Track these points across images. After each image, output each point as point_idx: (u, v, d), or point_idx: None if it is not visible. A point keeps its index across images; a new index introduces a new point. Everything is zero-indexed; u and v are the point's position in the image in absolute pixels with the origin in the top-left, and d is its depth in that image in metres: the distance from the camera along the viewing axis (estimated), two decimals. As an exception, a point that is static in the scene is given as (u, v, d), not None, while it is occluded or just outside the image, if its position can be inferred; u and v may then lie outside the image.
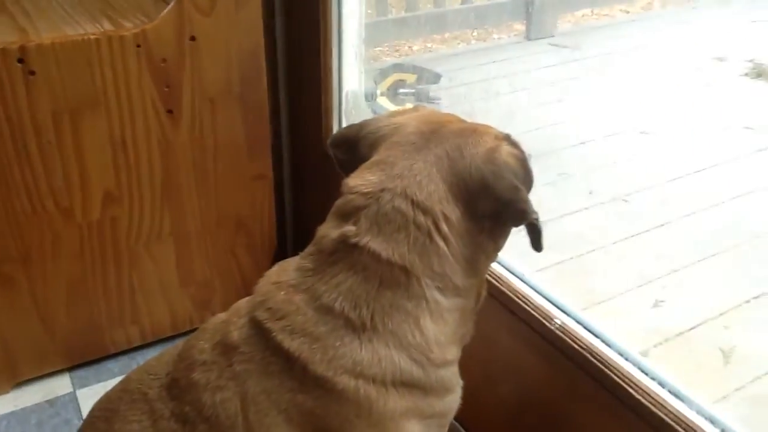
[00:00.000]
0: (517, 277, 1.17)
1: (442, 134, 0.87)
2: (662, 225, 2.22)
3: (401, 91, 2.96)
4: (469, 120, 0.94)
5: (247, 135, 1.60)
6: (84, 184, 1.45)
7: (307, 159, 1.73)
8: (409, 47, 3.97)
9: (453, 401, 0.90)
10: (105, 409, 0.95)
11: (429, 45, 4.05)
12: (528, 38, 3.95)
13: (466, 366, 0.92)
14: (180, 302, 1.67)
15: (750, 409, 1.55)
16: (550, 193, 2.34)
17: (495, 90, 3.22)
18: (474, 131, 0.88)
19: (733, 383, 1.61)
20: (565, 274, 1.93)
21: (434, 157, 0.85)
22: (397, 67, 3.15)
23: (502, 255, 1.13)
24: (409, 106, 2.91)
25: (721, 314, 1.83)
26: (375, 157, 0.88)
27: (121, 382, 0.97)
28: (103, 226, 1.51)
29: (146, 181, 1.52)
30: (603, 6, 4.55)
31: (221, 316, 0.92)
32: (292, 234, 1.83)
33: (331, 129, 1.63)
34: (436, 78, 3.08)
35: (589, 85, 3.35)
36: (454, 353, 0.88)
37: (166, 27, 1.43)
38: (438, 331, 0.84)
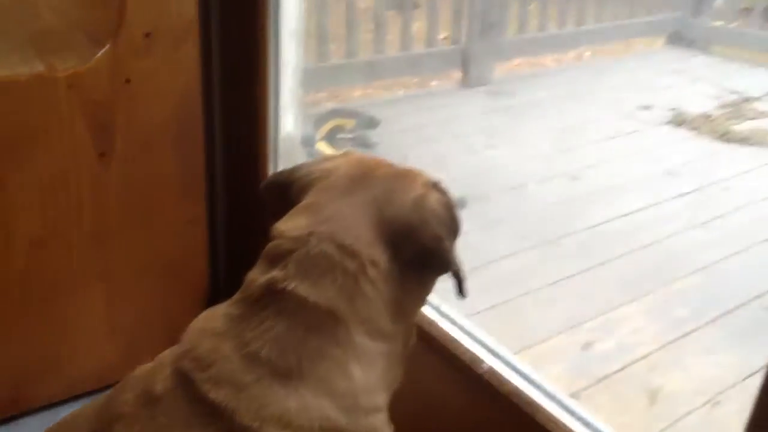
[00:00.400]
0: (448, 320, 1.19)
1: (372, 179, 0.89)
2: (590, 268, 2.29)
3: (340, 136, 3.00)
4: (401, 165, 0.96)
5: (181, 178, 1.59)
6: (8, 228, 1.41)
7: (243, 203, 1.73)
8: (349, 92, 4.03)
9: (383, 449, 0.90)
10: None
11: (368, 91, 4.12)
12: (465, 86, 4.06)
13: (394, 412, 0.92)
14: (108, 352, 1.61)
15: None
16: (482, 237, 2.39)
17: (432, 135, 3.29)
18: (404, 177, 0.90)
19: (659, 424, 1.66)
20: (498, 317, 1.97)
21: (363, 202, 0.86)
22: (336, 113, 3.20)
23: (432, 298, 1.16)
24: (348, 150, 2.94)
25: (646, 355, 1.89)
26: (305, 201, 0.89)
27: None
28: (28, 273, 1.45)
29: (75, 225, 1.48)
30: (537, 55, 4.73)
31: (146, 366, 0.90)
32: (225, 280, 1.81)
33: (267, 173, 1.64)
34: (375, 123, 3.13)
35: (523, 131, 3.46)
36: (383, 399, 0.88)
37: (100, 69, 1.41)
38: (366, 377, 0.84)
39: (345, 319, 0.82)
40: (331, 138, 2.98)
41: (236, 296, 0.88)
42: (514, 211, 2.66)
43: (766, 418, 0.70)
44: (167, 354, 0.88)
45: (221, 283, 1.78)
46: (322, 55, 3.63)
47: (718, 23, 5.04)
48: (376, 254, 0.83)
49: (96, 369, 1.60)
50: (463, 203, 2.52)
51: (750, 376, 1.83)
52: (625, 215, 2.66)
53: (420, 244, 0.85)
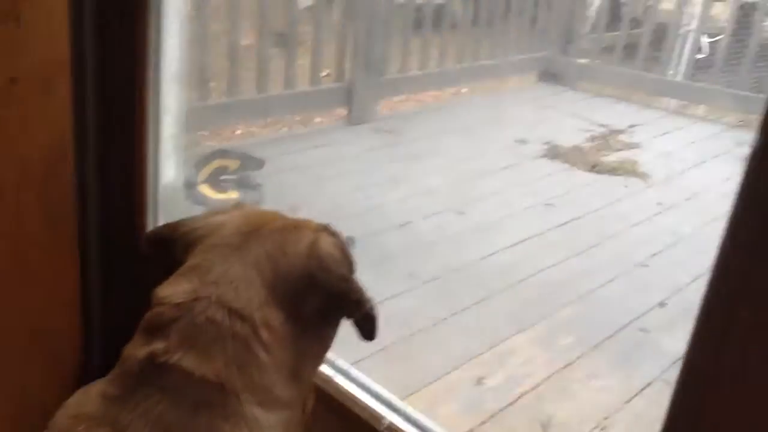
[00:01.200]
0: (343, 375, 1.16)
1: (263, 234, 0.84)
2: (479, 302, 2.33)
3: (223, 177, 2.93)
4: (289, 210, 0.93)
5: (48, 234, 1.48)
6: None
7: (120, 262, 1.63)
8: (232, 132, 3.96)
9: None
10: None
11: (252, 129, 4.07)
12: (349, 123, 4.09)
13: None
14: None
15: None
16: (372, 276, 2.38)
17: (317, 175, 3.28)
18: (294, 227, 0.86)
19: (552, 454, 1.70)
20: (389, 359, 1.96)
21: (254, 259, 0.81)
22: (219, 154, 3.12)
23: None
24: (233, 193, 2.87)
25: (536, 386, 1.94)
26: (190, 262, 0.83)
27: None
28: None
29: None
30: (418, 92, 4.85)
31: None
32: (101, 351, 1.68)
33: (145, 227, 1.56)
34: (260, 164, 3.08)
35: (408, 168, 3.51)
36: (284, 473, 0.84)
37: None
38: (262, 452, 0.78)
39: (235, 390, 0.76)
40: (214, 180, 2.90)
41: (113, 373, 0.81)
42: (402, 248, 2.68)
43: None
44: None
45: (94, 355, 1.66)
46: (203, 93, 3.55)
47: (584, 61, 5.37)
48: (271, 315, 0.79)
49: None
50: (352, 242, 2.51)
51: (633, 397, 1.91)
52: (509, 247, 2.74)
53: (324, 292, 0.82)
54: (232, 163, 3.01)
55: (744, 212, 0.59)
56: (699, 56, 5.00)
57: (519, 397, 1.88)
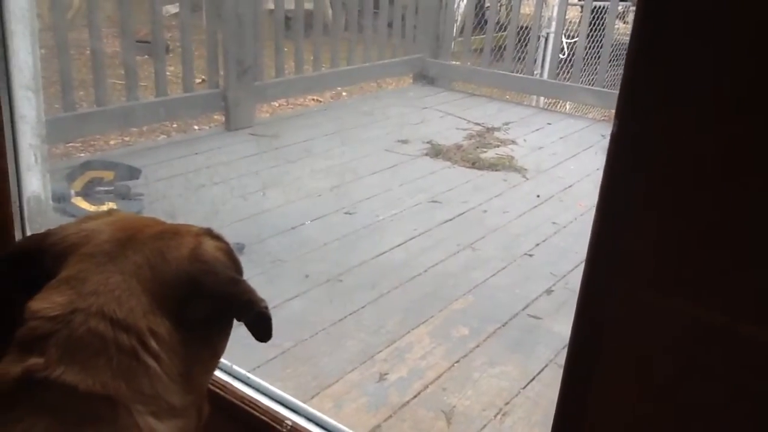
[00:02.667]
0: (241, 381, 1.11)
1: (140, 240, 0.79)
2: (374, 300, 2.32)
3: (99, 189, 2.76)
4: (170, 220, 0.88)
5: None
6: None
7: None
8: (105, 141, 3.76)
9: None
10: None
11: (126, 138, 3.87)
12: (228, 129, 3.99)
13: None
14: None
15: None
16: (264, 281, 2.33)
17: (198, 183, 3.17)
18: (175, 233, 0.81)
19: (457, 443, 1.71)
20: (289, 363, 1.91)
21: (133, 267, 0.76)
22: (91, 164, 2.95)
23: (223, 359, 1.07)
24: (110, 204, 2.70)
25: (437, 377, 1.95)
26: (63, 273, 0.77)
27: None
28: None
29: None
30: (297, 96, 4.81)
31: None
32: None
33: (12, 243, 1.43)
34: (136, 173, 2.93)
35: (293, 172, 3.46)
36: (184, 484, 0.78)
37: None
38: (161, 464, 0.74)
39: (126, 402, 0.71)
40: (88, 192, 2.72)
41: None
42: (293, 252, 2.63)
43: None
44: None
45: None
46: (68, 103, 3.34)
47: (455, 63, 5.53)
48: (156, 323, 0.74)
49: None
50: (240, 249, 2.43)
51: (530, 382, 1.96)
52: (400, 245, 2.76)
53: (211, 296, 0.78)
54: (107, 174, 2.84)
55: (608, 190, 0.63)
56: (561, 56, 5.27)
57: (421, 390, 1.89)
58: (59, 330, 0.72)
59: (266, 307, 0.80)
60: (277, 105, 4.68)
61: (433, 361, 2.02)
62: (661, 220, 0.61)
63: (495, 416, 1.82)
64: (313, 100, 5.00)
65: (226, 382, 1.08)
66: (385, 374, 1.94)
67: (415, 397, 1.86)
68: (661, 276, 0.62)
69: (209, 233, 0.84)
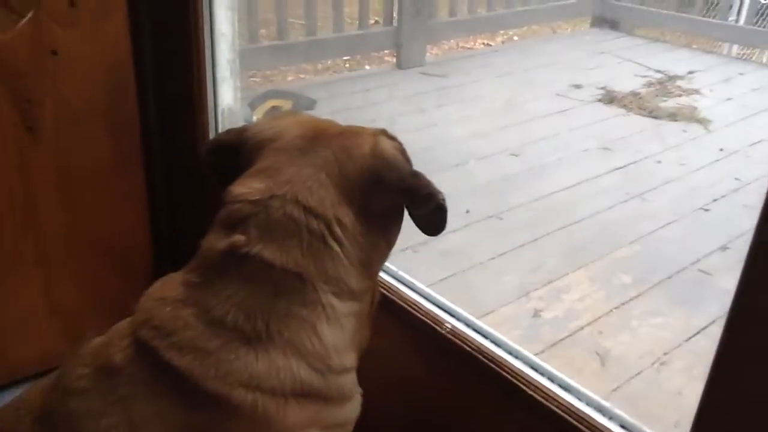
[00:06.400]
0: (407, 286, 1.16)
1: (326, 138, 0.86)
2: (534, 240, 2.31)
3: (277, 116, 2.93)
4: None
5: (115, 153, 1.51)
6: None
7: (183, 178, 1.66)
8: (282, 78, 3.96)
9: (353, 409, 0.87)
10: None
11: (301, 75, 4.06)
12: (398, 67, 4.04)
13: (359, 378, 0.89)
14: (49, 334, 1.53)
15: (627, 408, 1.63)
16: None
17: (369, 117, 3.26)
18: (355, 132, 0.88)
19: (610, 384, 1.69)
20: (448, 290, 1.96)
21: (322, 162, 0.83)
22: (273, 93, 3.13)
23: (390, 265, 1.13)
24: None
25: (593, 320, 1.92)
26: (259, 164, 0.85)
27: None
28: (-45, 255, 1.37)
29: (4, 203, 1.39)
30: (467, 38, 4.76)
31: (98, 340, 0.85)
32: (168, 257, 1.73)
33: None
34: (311, 104, 3.08)
35: (460, 111, 3.46)
36: (352, 360, 0.85)
37: (22, 40, 1.32)
38: (336, 337, 0.81)
39: (312, 279, 0.79)
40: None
41: (192, 264, 0.84)
42: (458, 187, 2.65)
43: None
44: (122, 326, 0.84)
45: (164, 261, 1.71)
46: (253, 36, 3.55)
47: (640, 6, 5.18)
48: (342, 213, 0.81)
49: (37, 352, 1.52)
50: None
51: (694, 335, 1.88)
52: (565, 189, 2.70)
53: (393, 190, 0.83)
54: (285, 104, 3.01)
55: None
56: (762, 1, 4.78)
57: (577, 331, 1.87)
58: (259, 212, 0.80)
59: (444, 200, 0.85)
60: (447, 47, 4.67)
61: (590, 304, 1.99)
62: None
63: (652, 364, 1.77)
64: (484, 44, 4.92)
65: (392, 284, 1.14)
66: (540, 311, 1.94)
67: (569, 336, 1.85)
68: None
69: (385, 133, 0.89)
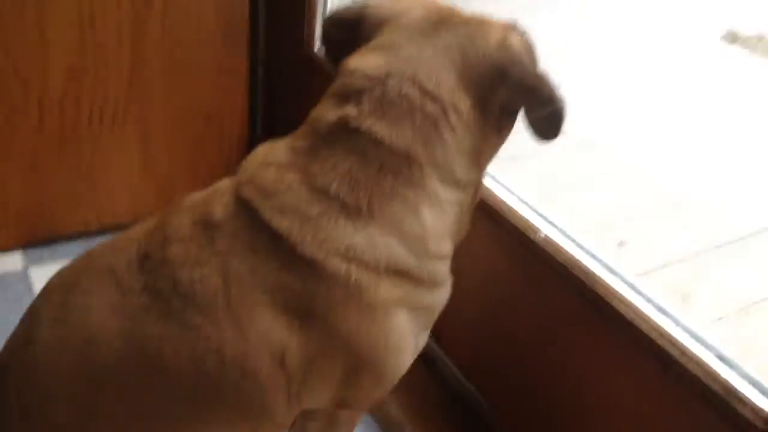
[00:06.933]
0: (502, 186, 1.13)
1: (451, 22, 0.82)
2: (626, 168, 2.22)
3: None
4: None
5: (223, 24, 1.52)
6: (45, 55, 1.35)
7: (285, 61, 1.65)
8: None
9: (443, 296, 0.87)
10: (63, 282, 0.86)
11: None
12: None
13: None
14: (142, 191, 1.59)
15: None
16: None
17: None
18: (481, 22, 0.83)
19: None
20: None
21: (444, 45, 0.80)
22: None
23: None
24: None
25: (682, 259, 1.86)
26: (378, 39, 0.83)
27: (81, 257, 0.89)
28: (65, 102, 1.41)
29: (113, 60, 1.42)
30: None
31: (200, 194, 0.86)
32: (262, 132, 1.76)
33: (315, 29, 1.54)
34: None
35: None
36: (448, 247, 0.85)
37: None
38: (436, 222, 0.80)
39: (421, 163, 0.78)
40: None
41: (300, 131, 0.83)
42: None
43: None
44: (224, 184, 0.85)
45: (258, 136, 1.74)
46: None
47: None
48: (459, 100, 0.78)
49: (129, 204, 1.60)
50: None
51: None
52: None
53: (514, 85, 0.80)
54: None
55: None
56: None
57: (661, 266, 1.81)
58: (374, 87, 0.78)
59: (563, 107, 0.81)
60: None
61: (680, 244, 1.92)
62: None
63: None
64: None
65: (487, 186, 1.12)
66: (624, 242, 1.89)
67: (652, 270, 1.79)
68: None
69: (515, 28, 0.85)
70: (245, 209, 0.79)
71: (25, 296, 1.39)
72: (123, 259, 0.82)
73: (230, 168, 0.86)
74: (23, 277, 1.46)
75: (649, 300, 0.94)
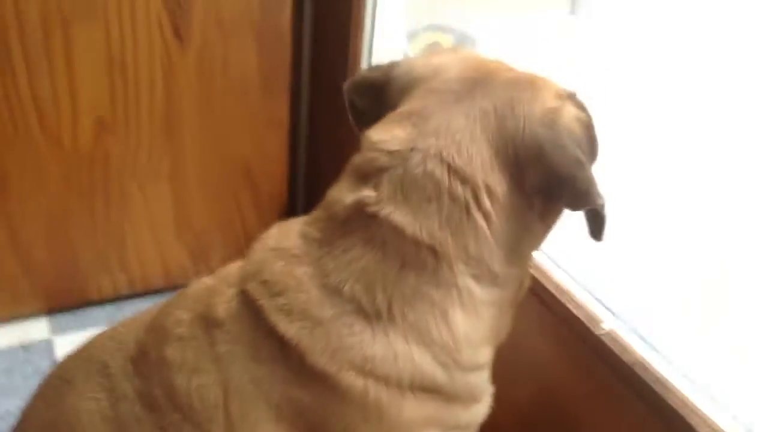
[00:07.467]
0: (559, 267, 1.00)
1: (491, 84, 0.69)
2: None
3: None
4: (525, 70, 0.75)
5: (263, 71, 1.43)
6: (74, 105, 1.29)
7: (330, 106, 1.56)
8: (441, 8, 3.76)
9: (480, 412, 0.75)
10: (60, 378, 0.81)
11: (463, 8, 3.84)
12: (572, 13, 3.73)
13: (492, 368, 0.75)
14: (174, 252, 1.51)
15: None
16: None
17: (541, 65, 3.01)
18: (531, 84, 0.70)
19: None
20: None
21: (479, 112, 0.67)
22: (432, 27, 2.96)
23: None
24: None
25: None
26: (405, 107, 0.70)
27: (81, 347, 0.83)
28: (94, 157, 1.35)
29: (145, 110, 1.35)
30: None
31: (206, 281, 0.77)
32: (303, 190, 1.66)
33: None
34: (473, 43, 2.88)
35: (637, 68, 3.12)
36: (486, 355, 0.72)
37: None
38: (470, 327, 0.68)
39: (449, 256, 0.65)
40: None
41: (315, 214, 0.72)
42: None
43: None
44: (231, 271, 0.74)
45: (298, 194, 1.64)
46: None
47: None
48: (494, 180, 0.65)
49: (162, 267, 1.53)
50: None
51: None
52: None
53: (550, 170, 0.65)
54: (446, 39, 2.83)
55: None
56: None
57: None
58: (395, 166, 0.66)
59: (603, 206, 0.68)
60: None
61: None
62: None
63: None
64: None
65: (544, 268, 0.98)
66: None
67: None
68: None
69: (572, 98, 0.71)
70: (250, 307, 0.69)
71: (48, 367, 1.32)
72: (118, 355, 0.76)
73: (266, 230, 0.77)
74: (47, 346, 1.40)
75: (736, 418, 0.78)
